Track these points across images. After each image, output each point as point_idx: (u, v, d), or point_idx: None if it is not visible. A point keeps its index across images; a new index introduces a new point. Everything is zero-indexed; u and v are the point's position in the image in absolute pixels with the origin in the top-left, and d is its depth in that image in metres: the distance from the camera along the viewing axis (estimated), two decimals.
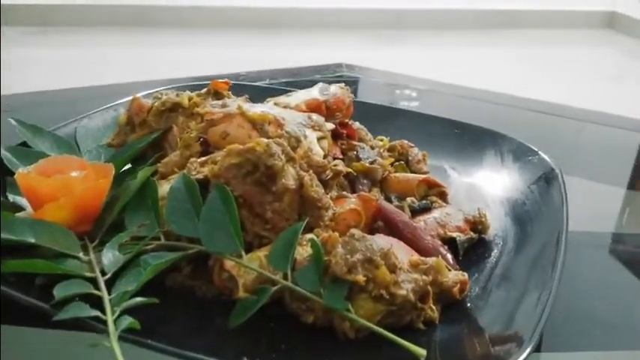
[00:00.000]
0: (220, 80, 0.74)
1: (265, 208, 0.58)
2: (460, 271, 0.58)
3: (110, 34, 3.67)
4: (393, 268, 0.52)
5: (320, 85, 0.79)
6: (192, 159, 0.62)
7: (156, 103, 0.73)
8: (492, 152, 0.85)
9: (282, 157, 0.58)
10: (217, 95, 0.74)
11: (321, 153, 0.65)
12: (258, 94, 0.97)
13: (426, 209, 0.69)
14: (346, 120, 0.75)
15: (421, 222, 0.67)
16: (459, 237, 0.65)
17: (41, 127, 0.76)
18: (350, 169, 0.69)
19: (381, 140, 0.89)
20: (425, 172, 0.81)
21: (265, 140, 0.58)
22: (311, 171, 0.60)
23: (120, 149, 0.72)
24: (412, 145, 0.84)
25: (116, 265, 0.54)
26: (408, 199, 0.70)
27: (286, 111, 0.69)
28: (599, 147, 1.12)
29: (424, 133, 0.90)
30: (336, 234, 0.54)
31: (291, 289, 0.52)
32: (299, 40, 3.90)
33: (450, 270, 0.58)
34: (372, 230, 0.65)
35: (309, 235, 0.58)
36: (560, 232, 0.64)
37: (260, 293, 0.52)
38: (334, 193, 0.65)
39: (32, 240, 0.55)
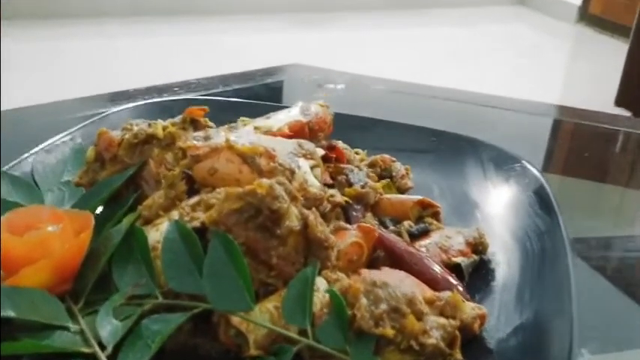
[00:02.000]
0: (196, 107, 0.68)
1: (271, 254, 0.53)
2: (477, 304, 0.55)
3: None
4: (420, 315, 0.48)
5: (300, 104, 0.74)
6: (183, 203, 0.56)
7: (127, 136, 0.66)
8: (473, 161, 0.82)
9: (286, 197, 0.53)
10: (194, 123, 0.68)
11: (317, 184, 0.60)
12: (224, 110, 0.92)
13: (425, 233, 0.66)
14: (332, 141, 0.71)
15: (423, 248, 0.63)
16: (464, 262, 0.63)
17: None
18: (345, 197, 0.65)
19: (357, 154, 0.85)
20: (409, 188, 0.77)
21: (267, 181, 0.53)
22: (314, 208, 0.56)
23: (91, 189, 0.65)
24: (394, 159, 0.80)
25: (116, 337, 0.47)
26: (405, 223, 0.67)
27: (274, 139, 0.64)
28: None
29: (400, 143, 0.86)
30: (358, 285, 0.50)
31: (314, 347, 0.47)
32: (219, 27, 3.78)
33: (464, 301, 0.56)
34: (372, 261, 0.62)
35: (319, 279, 0.54)
36: (563, 246, 0.62)
37: (280, 354, 0.47)
38: (332, 226, 0.61)
39: (12, 314, 0.48)
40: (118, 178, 0.64)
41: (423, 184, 0.79)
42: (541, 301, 0.58)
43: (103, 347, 0.47)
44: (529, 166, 0.78)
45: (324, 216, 0.60)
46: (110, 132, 0.66)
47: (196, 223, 0.54)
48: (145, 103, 0.92)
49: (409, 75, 1.34)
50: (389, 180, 0.75)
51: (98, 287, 0.54)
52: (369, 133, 0.89)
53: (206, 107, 0.69)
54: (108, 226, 0.59)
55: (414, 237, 0.65)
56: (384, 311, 0.47)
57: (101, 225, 0.59)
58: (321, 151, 0.65)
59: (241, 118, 0.73)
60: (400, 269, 0.59)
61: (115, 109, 0.89)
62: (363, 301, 0.48)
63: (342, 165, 0.69)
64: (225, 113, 0.84)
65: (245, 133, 0.63)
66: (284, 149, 0.62)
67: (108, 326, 0.48)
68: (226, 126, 0.67)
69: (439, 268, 0.60)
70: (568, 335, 0.51)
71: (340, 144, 0.74)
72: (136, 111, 0.86)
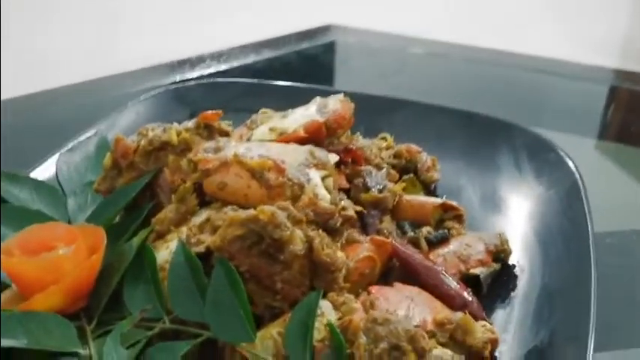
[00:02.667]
0: (210, 112, 0.66)
1: (275, 279, 0.52)
2: (489, 327, 0.53)
3: None
4: (422, 353, 0.47)
5: (318, 100, 0.71)
6: (192, 222, 0.55)
7: (142, 142, 0.65)
8: (505, 149, 0.78)
9: (289, 224, 0.51)
10: (208, 128, 0.66)
11: (328, 197, 0.58)
12: (246, 93, 0.90)
13: (444, 240, 0.63)
14: (349, 144, 0.68)
15: (440, 258, 0.61)
16: (482, 273, 0.60)
17: (17, 174, 0.68)
18: (358, 207, 0.63)
19: (385, 139, 0.82)
20: (435, 180, 0.74)
21: (269, 208, 0.51)
22: (320, 230, 0.54)
23: (108, 197, 0.65)
24: (420, 149, 0.77)
25: None
26: (424, 230, 0.64)
27: (285, 148, 0.61)
28: None
29: (430, 128, 0.83)
30: (357, 319, 0.48)
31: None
32: None
33: (477, 320, 0.54)
34: (386, 272, 0.60)
35: (325, 302, 0.53)
36: (587, 262, 0.59)
37: None
38: (343, 239, 0.59)
39: (24, 341, 0.49)
40: (134, 187, 0.64)
41: (451, 175, 0.76)
42: (559, 322, 0.55)
43: None
44: (564, 157, 0.73)
45: (336, 230, 0.58)
46: (125, 139, 0.66)
47: (201, 248, 0.53)
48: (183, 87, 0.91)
49: (450, 34, 1.26)
50: (412, 176, 0.72)
51: (112, 303, 0.55)
52: (397, 114, 0.86)
53: (218, 111, 0.67)
54: (123, 238, 0.59)
55: (433, 245, 0.63)
56: (384, 350, 0.46)
57: (116, 237, 0.60)
58: (334, 157, 0.63)
59: (262, 110, 0.72)
60: (415, 283, 0.58)
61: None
62: (362, 340, 0.46)
63: (359, 167, 0.67)
64: (252, 97, 0.83)
65: (255, 145, 0.61)
66: (295, 160, 0.59)
67: (115, 355, 0.49)
68: (246, 124, 0.65)
69: (455, 283, 0.57)
70: None
71: (360, 141, 0.71)
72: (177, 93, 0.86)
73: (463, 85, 1.12)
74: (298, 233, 0.53)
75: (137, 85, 1.08)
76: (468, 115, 0.83)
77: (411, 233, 0.65)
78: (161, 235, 0.59)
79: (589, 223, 0.63)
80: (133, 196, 0.63)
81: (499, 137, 0.79)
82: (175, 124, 0.67)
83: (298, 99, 0.72)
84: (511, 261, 0.64)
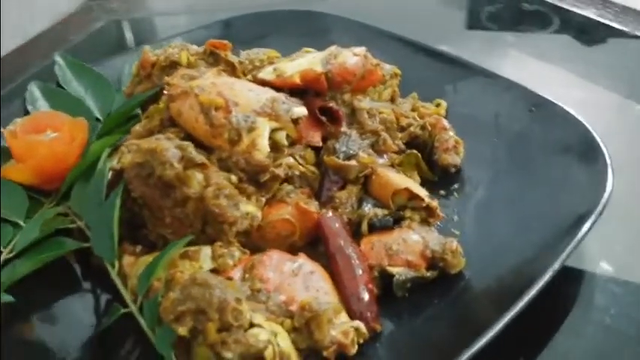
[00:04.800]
0: (217, 41, 0.66)
1: (164, 213, 0.53)
2: (355, 330, 0.47)
3: None
4: (227, 326, 0.44)
5: (332, 49, 0.65)
6: (128, 143, 0.57)
7: (160, 57, 0.68)
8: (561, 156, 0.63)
9: (176, 164, 0.50)
10: (213, 56, 0.66)
11: (265, 150, 0.55)
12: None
13: (387, 227, 0.56)
14: (327, 102, 0.62)
15: (369, 245, 0.55)
16: (400, 275, 0.52)
17: (83, 65, 0.77)
18: (310, 169, 0.58)
19: (438, 105, 0.73)
20: (449, 165, 0.65)
21: (163, 144, 0.51)
22: (219, 181, 0.52)
23: (125, 102, 0.70)
24: (447, 127, 0.67)
25: (22, 244, 0.54)
26: (378, 212, 0.57)
27: (251, 92, 0.59)
28: None
29: (492, 104, 0.71)
30: (183, 273, 0.47)
31: (137, 319, 0.48)
32: None
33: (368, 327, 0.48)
34: (312, 242, 0.56)
35: (206, 251, 0.52)
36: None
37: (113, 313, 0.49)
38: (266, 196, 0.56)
39: None
40: (141, 97, 0.68)
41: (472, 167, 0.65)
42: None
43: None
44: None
45: (263, 184, 0.55)
46: (150, 52, 0.69)
47: (117, 166, 0.55)
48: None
49: None
50: (413, 152, 0.64)
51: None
52: (460, 82, 0.75)
53: (228, 42, 0.66)
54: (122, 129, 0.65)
55: (374, 228, 0.56)
56: (189, 310, 0.44)
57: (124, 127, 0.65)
58: (300, 111, 0.58)
59: (268, 52, 0.69)
60: (329, 262, 0.53)
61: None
62: (171, 294, 0.45)
63: (340, 129, 0.61)
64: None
65: (223, 82, 0.59)
66: (250, 105, 0.57)
67: (28, 235, 0.55)
68: (219, 67, 0.64)
69: (363, 281, 0.51)
70: None
71: (365, 102, 0.65)
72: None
73: None
74: (197, 176, 0.52)
75: None
76: (536, 100, 0.69)
77: (368, 211, 0.58)
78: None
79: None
80: (138, 104, 0.67)
81: (558, 135, 0.65)
82: (194, 47, 0.68)
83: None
84: (454, 275, 0.54)
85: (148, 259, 0.52)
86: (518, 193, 0.61)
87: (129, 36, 1.10)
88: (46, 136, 0.62)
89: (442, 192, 0.64)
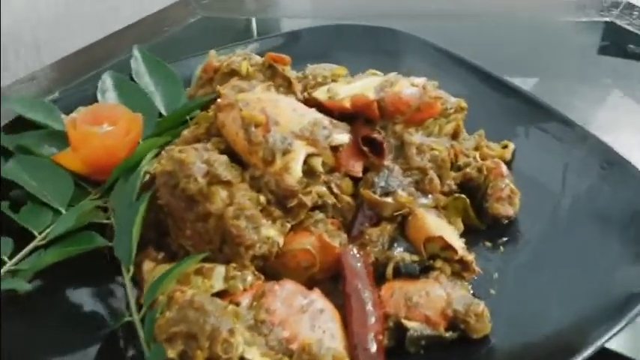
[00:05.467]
0: (276, 55, 0.64)
1: (186, 225, 0.52)
2: None
3: None
4: (215, 357, 0.42)
5: (390, 76, 0.62)
6: (168, 148, 0.57)
7: (224, 64, 0.68)
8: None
9: (200, 179, 0.49)
10: (271, 69, 0.65)
11: (297, 175, 0.53)
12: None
13: (412, 276, 0.52)
14: (375, 134, 0.58)
15: (390, 291, 0.51)
16: (414, 331, 0.48)
17: (158, 61, 0.78)
18: (346, 199, 0.56)
19: (505, 147, 0.68)
20: (500, 216, 0.60)
21: (190, 158, 0.50)
22: (242, 201, 0.50)
23: (183, 104, 0.70)
24: (505, 173, 0.62)
25: (56, 233, 0.56)
26: (405, 256, 0.54)
27: (297, 112, 0.57)
28: None
29: (562, 154, 0.65)
30: (183, 293, 0.46)
31: (138, 328, 0.47)
32: None
33: None
34: (334, 277, 0.53)
35: (220, 270, 0.50)
36: None
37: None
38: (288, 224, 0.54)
39: (25, 177, 0.60)
40: (198, 101, 0.68)
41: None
42: None
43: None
44: None
45: (290, 210, 0.53)
46: (215, 57, 0.69)
47: (152, 171, 0.55)
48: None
49: None
50: (462, 196, 0.59)
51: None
52: (532, 124, 0.69)
53: (287, 57, 0.64)
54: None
55: (399, 275, 0.53)
56: (181, 332, 0.43)
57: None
58: (342, 139, 0.55)
59: (335, 69, 0.67)
60: (343, 302, 0.51)
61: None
62: (168, 313, 0.44)
63: (382, 162, 0.57)
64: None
65: (270, 99, 0.58)
66: (291, 126, 0.55)
67: (64, 224, 0.56)
68: (269, 83, 0.62)
69: (373, 330, 0.48)
70: None
71: (416, 138, 0.61)
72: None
73: None
74: (220, 193, 0.50)
75: None
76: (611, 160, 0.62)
77: (397, 254, 0.55)
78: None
79: None
80: (194, 108, 0.67)
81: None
82: (257, 57, 0.67)
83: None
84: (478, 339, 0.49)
85: (166, 267, 0.52)
86: (571, 260, 0.55)
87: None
88: (102, 129, 0.64)
89: (488, 243, 0.59)
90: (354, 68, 0.70)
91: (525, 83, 0.86)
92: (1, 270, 0.52)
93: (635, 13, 0.98)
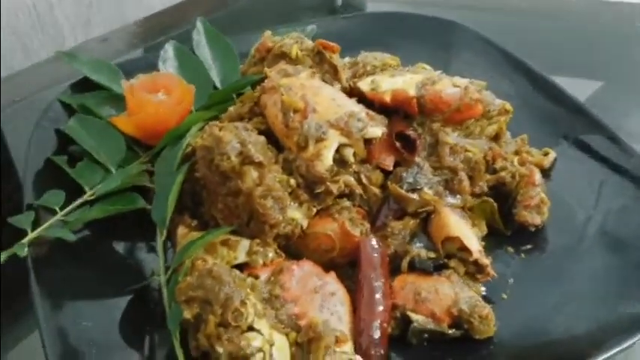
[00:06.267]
0: (326, 42, 0.66)
1: (218, 198, 0.55)
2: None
3: None
4: (225, 323, 0.46)
5: (433, 73, 0.63)
6: (212, 123, 0.60)
7: (277, 46, 0.70)
8: None
9: (234, 157, 0.53)
10: (320, 55, 0.67)
11: (328, 163, 0.55)
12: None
13: (426, 272, 0.54)
14: (409, 130, 0.60)
15: (402, 284, 0.53)
16: (417, 323, 0.51)
17: (219, 34, 0.81)
18: (374, 190, 0.58)
19: (546, 154, 0.68)
20: (527, 224, 0.60)
21: (228, 136, 0.53)
22: (271, 183, 0.53)
23: (235, 81, 0.73)
24: (538, 182, 0.62)
25: (103, 190, 0.61)
26: (422, 253, 0.55)
27: (338, 101, 0.59)
28: None
29: (600, 169, 0.64)
30: (205, 261, 0.49)
31: (163, 288, 0.52)
32: None
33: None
34: (354, 263, 0.56)
35: (245, 244, 0.54)
36: None
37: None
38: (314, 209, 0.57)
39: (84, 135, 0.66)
40: (247, 79, 0.71)
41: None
42: None
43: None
44: None
45: (317, 195, 0.56)
46: (270, 37, 0.72)
47: (194, 143, 0.59)
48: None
49: None
50: (489, 200, 0.60)
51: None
52: (577, 135, 0.68)
53: (336, 46, 0.66)
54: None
55: (413, 269, 0.55)
56: (198, 297, 0.47)
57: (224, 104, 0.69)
58: (376, 132, 0.57)
59: (386, 58, 0.68)
60: (355, 289, 0.53)
61: None
62: (189, 278, 0.48)
63: (413, 159, 0.59)
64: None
65: (314, 84, 0.60)
66: (328, 114, 0.57)
67: (107, 180, 0.61)
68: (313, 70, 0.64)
69: (379, 318, 0.50)
70: None
71: (450, 137, 0.61)
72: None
73: None
74: (252, 173, 0.54)
75: None
76: None
77: (415, 249, 0.56)
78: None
79: None
80: (244, 85, 0.70)
81: None
82: (309, 42, 0.69)
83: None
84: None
85: (197, 235, 0.56)
86: (588, 276, 0.55)
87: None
88: (157, 97, 0.68)
89: (510, 249, 0.60)
90: (408, 58, 0.71)
91: (588, 87, 0.85)
92: (52, 220, 0.57)
93: None
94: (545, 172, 0.66)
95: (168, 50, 0.79)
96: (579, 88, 0.82)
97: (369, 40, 0.83)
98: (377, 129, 0.58)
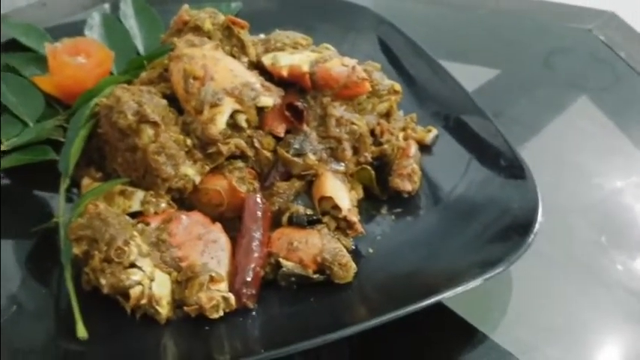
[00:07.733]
0: (234, 18, 0.72)
1: (118, 153, 0.61)
2: (219, 296, 0.54)
3: None
4: (109, 259, 0.52)
5: (327, 53, 0.70)
6: (120, 85, 0.66)
7: (193, 19, 0.76)
8: None
9: (130, 116, 0.59)
10: (228, 30, 0.72)
11: (221, 127, 0.62)
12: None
13: (300, 225, 0.61)
14: (298, 102, 0.66)
15: (279, 235, 0.60)
16: (286, 268, 0.58)
17: (145, 4, 0.87)
18: (265, 153, 0.64)
19: (429, 131, 0.75)
20: (398, 190, 0.67)
21: (126, 97, 0.59)
22: (164, 141, 0.59)
23: (154, 49, 0.79)
24: (412, 155, 0.70)
25: (19, 142, 0.66)
26: (300, 209, 0.62)
27: (235, 71, 0.65)
28: None
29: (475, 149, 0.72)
30: (96, 206, 0.55)
31: (61, 229, 0.58)
32: None
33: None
34: (240, 216, 0.62)
35: (139, 194, 0.60)
36: None
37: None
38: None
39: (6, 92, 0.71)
40: (161, 48, 0.76)
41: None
42: None
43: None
44: None
45: (209, 155, 0.62)
46: (188, 10, 0.77)
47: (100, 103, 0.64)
48: None
49: None
50: (367, 168, 0.67)
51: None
52: (459, 116, 0.75)
53: (245, 22, 0.72)
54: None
55: (291, 224, 0.62)
56: (86, 236, 0.53)
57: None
58: (267, 101, 0.63)
59: (298, 37, 0.74)
60: (237, 238, 0.60)
61: None
62: (80, 219, 0.54)
63: (301, 127, 0.66)
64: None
65: (215, 55, 0.66)
66: (224, 83, 0.63)
67: (29, 134, 0.67)
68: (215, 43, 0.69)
69: (254, 262, 0.57)
70: None
71: (337, 110, 0.68)
72: None
73: None
74: (148, 131, 0.60)
75: None
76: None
77: (298, 207, 0.63)
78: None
79: None
80: (158, 54, 0.75)
81: None
82: (222, 17, 0.75)
83: None
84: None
85: (94, 185, 0.62)
86: (445, 234, 0.63)
87: None
88: (76, 60, 0.73)
89: (384, 211, 0.67)
90: (321, 38, 0.77)
91: (485, 75, 0.92)
92: None
93: (614, 24, 1.02)
94: (428, 148, 0.73)
95: (95, 18, 0.84)
96: (476, 76, 0.90)
97: (288, 20, 0.88)
98: (269, 99, 0.64)
